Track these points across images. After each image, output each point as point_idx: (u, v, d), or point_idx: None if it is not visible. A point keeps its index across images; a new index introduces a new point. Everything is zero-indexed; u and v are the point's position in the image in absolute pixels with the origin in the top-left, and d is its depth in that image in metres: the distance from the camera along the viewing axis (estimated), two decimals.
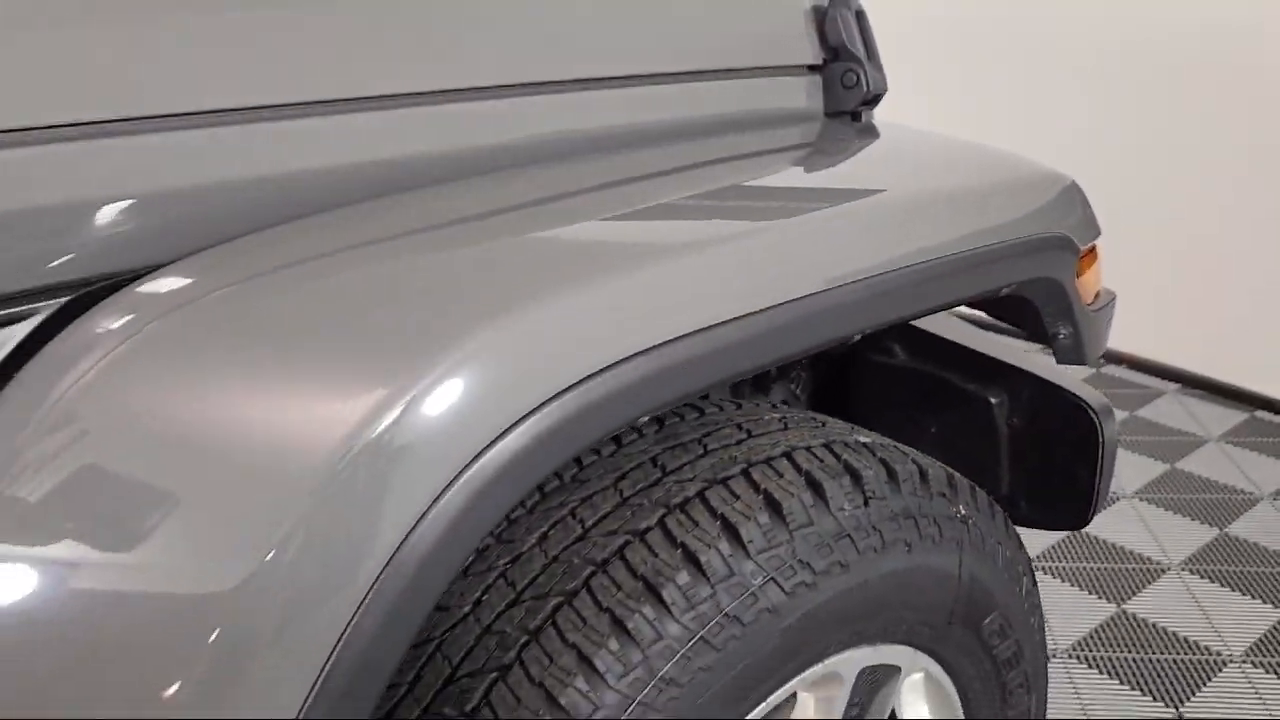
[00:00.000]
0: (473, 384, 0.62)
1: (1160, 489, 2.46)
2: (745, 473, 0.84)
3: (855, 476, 0.87)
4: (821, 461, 0.86)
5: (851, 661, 0.92)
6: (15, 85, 0.58)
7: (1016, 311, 1.05)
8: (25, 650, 0.56)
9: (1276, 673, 1.85)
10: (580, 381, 0.66)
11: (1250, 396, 2.87)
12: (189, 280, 0.64)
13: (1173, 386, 2.99)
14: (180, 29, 0.65)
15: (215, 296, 0.63)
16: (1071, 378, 1.19)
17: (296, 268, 0.66)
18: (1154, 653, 1.91)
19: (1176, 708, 1.77)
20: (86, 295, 0.61)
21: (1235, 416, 2.82)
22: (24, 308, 0.59)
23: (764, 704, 0.84)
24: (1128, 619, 2.00)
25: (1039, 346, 1.16)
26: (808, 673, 0.87)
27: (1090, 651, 1.91)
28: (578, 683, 0.72)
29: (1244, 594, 2.07)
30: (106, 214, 0.62)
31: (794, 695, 0.94)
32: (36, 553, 0.57)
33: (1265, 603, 2.05)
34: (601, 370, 0.67)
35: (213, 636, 0.56)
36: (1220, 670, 1.86)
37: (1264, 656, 1.89)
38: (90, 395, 0.59)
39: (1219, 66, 2.74)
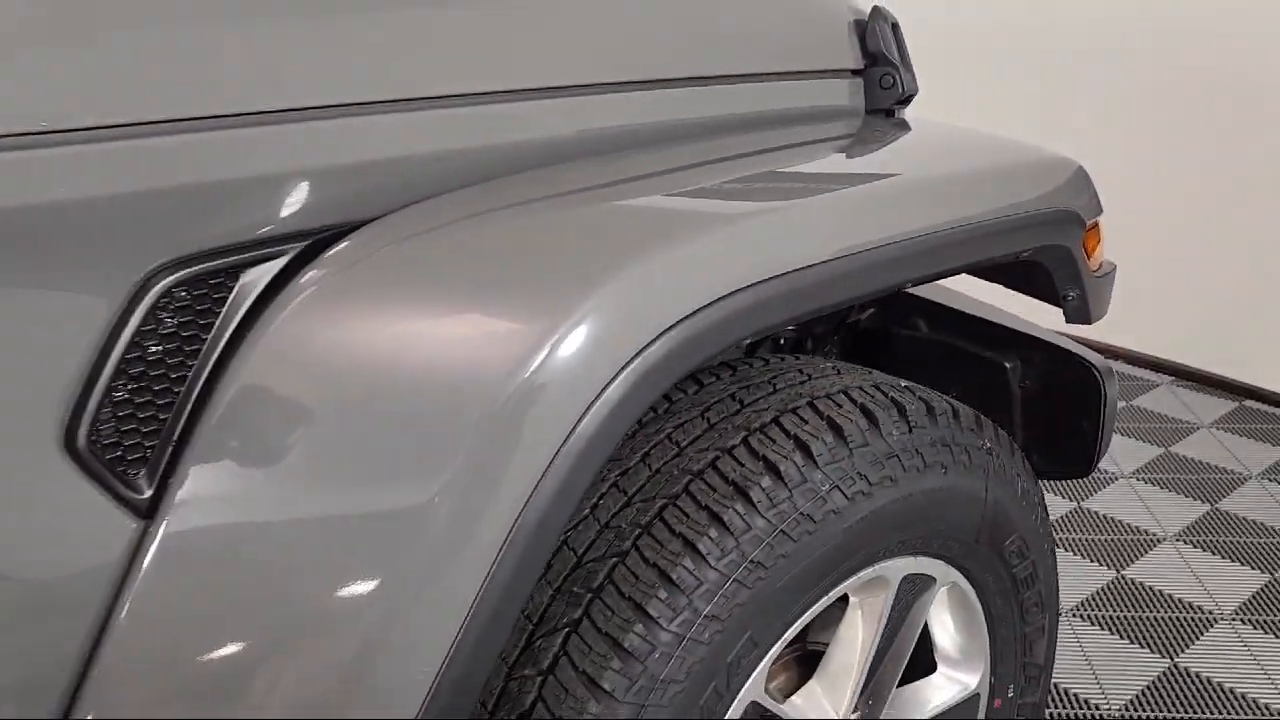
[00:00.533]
0: (611, 317, 0.79)
1: (1156, 469, 2.64)
2: (811, 404, 1.01)
3: (901, 409, 1.04)
4: (873, 397, 1.04)
5: (895, 568, 1.09)
6: (280, 75, 0.75)
7: (1030, 279, 1.23)
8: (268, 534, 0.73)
9: (1263, 628, 2.02)
10: (688, 316, 0.82)
11: (1239, 387, 3.05)
12: (388, 230, 0.81)
13: (1167, 379, 3.16)
14: (384, 39, 0.82)
15: (406, 243, 0.81)
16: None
17: (470, 221, 0.83)
18: (1150, 611, 2.08)
19: (1171, 658, 1.94)
20: (317, 241, 0.79)
21: (1225, 405, 2.99)
22: (278, 249, 0.76)
23: (826, 597, 1.02)
24: (1126, 583, 2.17)
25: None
26: (861, 574, 1.04)
27: (1092, 611, 2.08)
28: (685, 562, 0.89)
29: (1233, 560, 2.24)
30: (329, 180, 0.79)
31: (846, 599, 1.11)
32: (287, 438, 0.74)
33: (1253, 568, 2.22)
34: (703, 307, 0.84)
35: (432, 505, 0.73)
36: (1212, 626, 2.03)
37: (1252, 614, 2.06)
38: (319, 309, 0.76)
39: (1212, 71, 2.92)
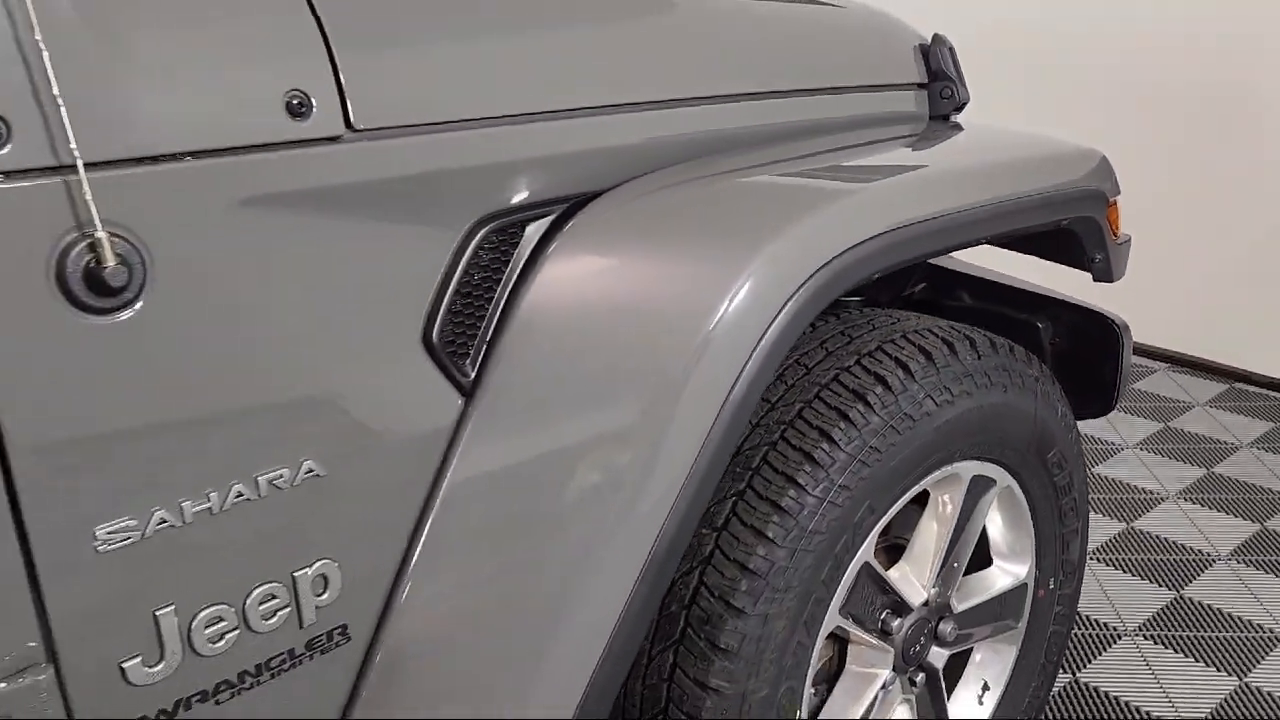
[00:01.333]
0: (776, 268, 1.09)
1: (1157, 441, 2.95)
2: (904, 336, 1.32)
3: (971, 342, 1.35)
4: (949, 332, 1.35)
5: (966, 469, 1.40)
6: (558, 89, 1.07)
7: (1062, 248, 1.54)
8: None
9: (1259, 566, 2.33)
10: (832, 260, 1.13)
11: (1229, 371, 3.37)
12: (624, 197, 1.12)
13: (1163, 365, 3.48)
14: (611, 67, 1.14)
15: (635, 202, 1.12)
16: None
17: (684, 187, 1.15)
18: (1154, 554, 2.38)
19: (1178, 590, 2.25)
20: (571, 205, 1.10)
21: (1217, 387, 3.31)
22: (547, 209, 1.08)
23: (918, 485, 1.32)
24: (1136, 533, 2.47)
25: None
26: (944, 468, 1.35)
27: (1109, 555, 2.38)
28: (823, 445, 1.19)
29: (1226, 513, 2.55)
30: (581, 161, 1.10)
31: (927, 494, 1.41)
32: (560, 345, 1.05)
33: (1243, 519, 2.53)
34: (835, 257, 1.14)
35: (674, 387, 1.04)
36: (1210, 566, 2.34)
37: (1248, 555, 2.37)
38: (574, 252, 1.07)
39: (1204, 76, 3.26)
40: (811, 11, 1.43)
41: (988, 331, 1.41)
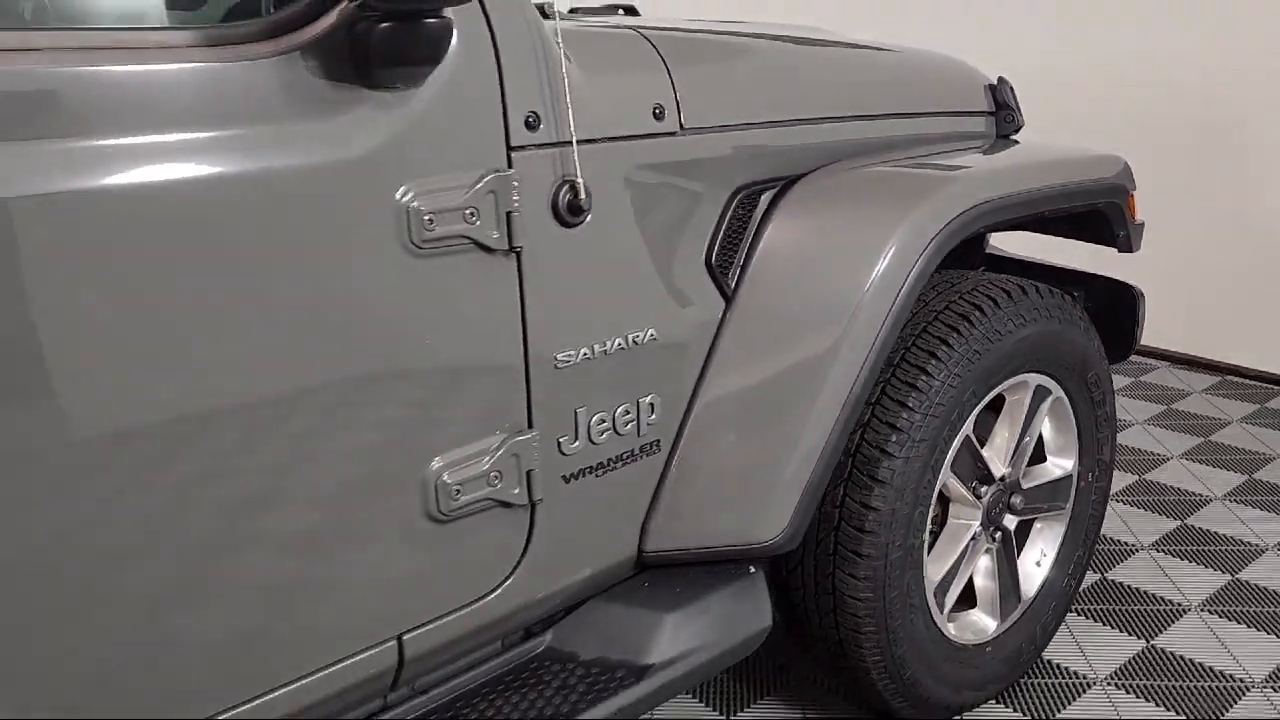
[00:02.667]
0: (915, 230, 1.68)
1: (1161, 420, 3.53)
2: (990, 283, 1.90)
3: (1036, 288, 1.94)
4: (1021, 281, 1.93)
5: (1032, 380, 1.97)
6: (796, 106, 1.68)
7: (1094, 229, 2.14)
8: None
9: (1253, 505, 2.89)
10: (959, 215, 1.72)
11: (1222, 366, 3.97)
12: (821, 176, 1.73)
13: (1164, 363, 4.07)
14: (807, 96, 1.75)
15: (828, 180, 1.72)
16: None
17: (853, 173, 1.75)
18: (1166, 495, 2.95)
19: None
20: (788, 181, 1.70)
21: (1211, 379, 3.90)
22: (776, 183, 1.68)
23: (999, 387, 1.90)
24: (1145, 483, 3.04)
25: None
26: (1016, 377, 1.93)
27: (1123, 498, 2.95)
28: (942, 348, 1.76)
29: (1223, 469, 3.13)
30: (799, 152, 1.71)
31: (1003, 398, 1.99)
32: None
33: (1237, 473, 3.10)
34: (949, 221, 1.74)
35: (850, 320, 1.62)
36: (1206, 505, 2.90)
37: (1242, 496, 2.94)
38: (792, 212, 1.67)
39: (1195, 97, 3.88)
40: (919, 56, 2.05)
41: (1049, 285, 2.00)
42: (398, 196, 1.19)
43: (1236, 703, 2.05)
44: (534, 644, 1.52)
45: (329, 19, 1.13)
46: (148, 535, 1.08)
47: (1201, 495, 2.95)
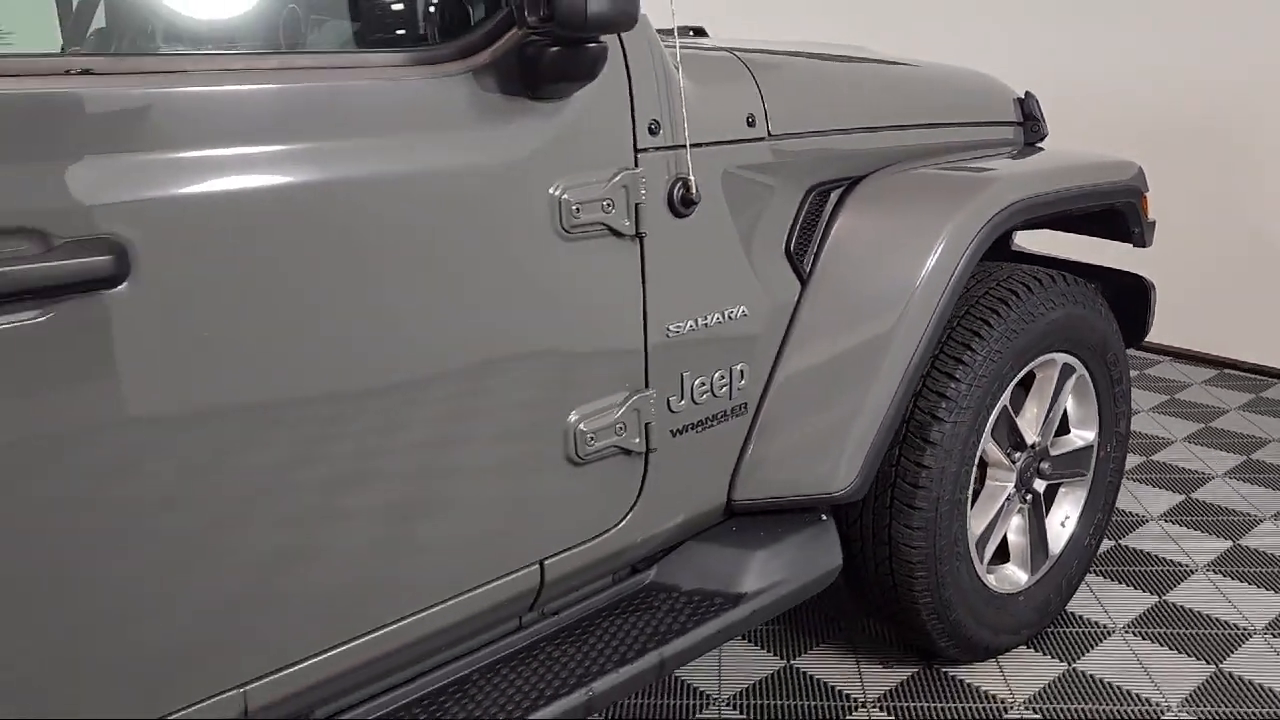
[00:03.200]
0: (962, 226, 1.94)
1: (1167, 408, 3.78)
2: (1023, 271, 2.15)
3: (1064, 277, 2.19)
4: (1051, 271, 2.19)
5: (1059, 359, 2.22)
6: (853, 118, 1.94)
7: (1111, 227, 2.40)
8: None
9: (1254, 481, 3.15)
10: (999, 212, 1.98)
11: (1220, 360, 4.23)
12: (881, 176, 1.99)
13: (1166, 359, 4.33)
14: (871, 109, 2.02)
15: (887, 180, 1.98)
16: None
17: (908, 174, 2.01)
18: (1170, 474, 3.21)
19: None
20: (854, 180, 1.96)
21: (1210, 372, 4.16)
22: (845, 181, 1.94)
23: (1031, 364, 2.15)
24: (1153, 464, 3.30)
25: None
26: (1045, 355, 2.18)
27: (1128, 475, 3.20)
28: (985, 327, 2.02)
29: (1222, 451, 3.38)
30: (865, 156, 1.97)
31: (1034, 375, 2.24)
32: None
33: (1235, 454, 3.35)
34: (991, 218, 1.99)
35: (908, 303, 1.88)
36: (1207, 483, 3.16)
37: (1242, 474, 3.19)
38: (857, 206, 1.93)
39: (1189, 107, 4.15)
40: (960, 73, 2.32)
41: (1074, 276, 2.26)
42: (551, 190, 1.44)
43: (1239, 647, 2.30)
44: (641, 578, 1.77)
45: (504, 43, 1.38)
46: (368, 465, 1.33)
47: (1204, 473, 3.21)
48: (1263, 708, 2.09)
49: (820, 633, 2.38)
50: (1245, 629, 2.37)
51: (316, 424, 1.28)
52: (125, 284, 1.09)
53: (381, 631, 1.38)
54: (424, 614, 1.44)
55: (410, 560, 1.41)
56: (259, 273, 1.19)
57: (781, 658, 2.29)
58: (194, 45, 1.50)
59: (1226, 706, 2.10)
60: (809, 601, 1.94)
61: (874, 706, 2.13)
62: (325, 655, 1.33)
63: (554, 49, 1.36)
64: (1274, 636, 2.34)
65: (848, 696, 2.16)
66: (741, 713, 2.12)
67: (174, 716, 1.21)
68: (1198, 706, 2.11)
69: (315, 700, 1.36)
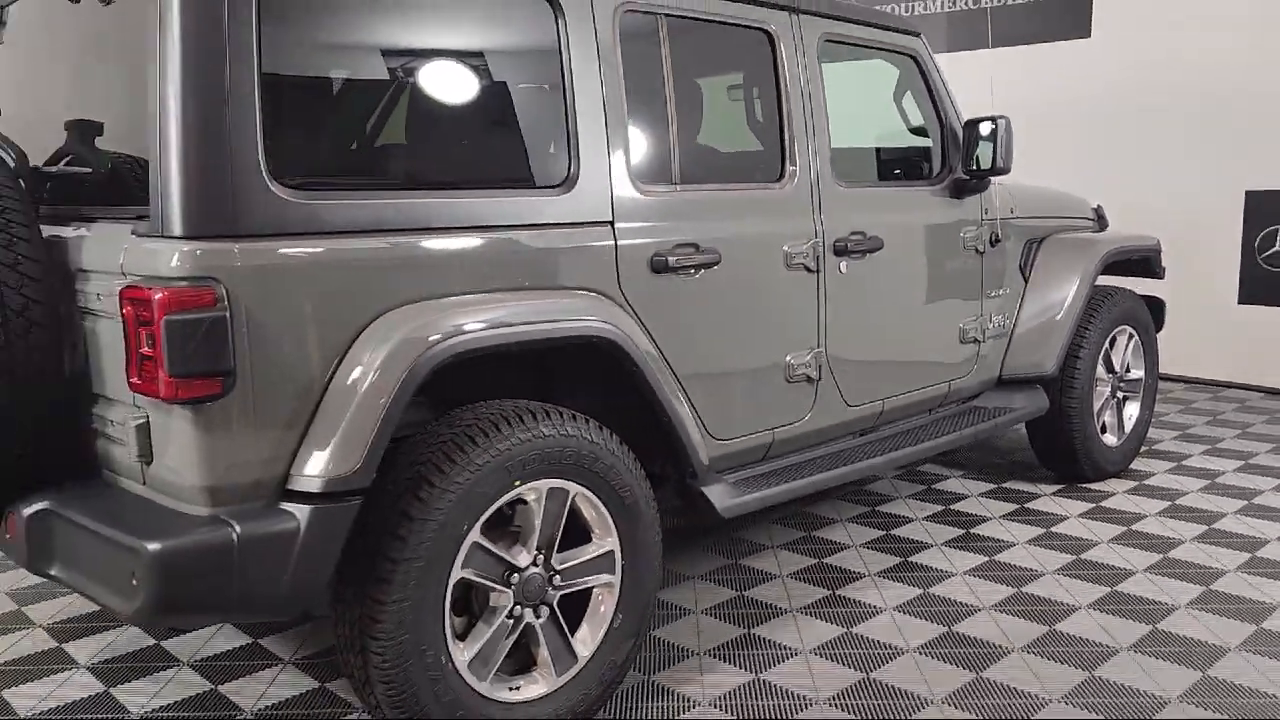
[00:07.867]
0: (1095, 259, 4.37)
1: (1170, 400, 6.15)
2: (1115, 289, 4.60)
3: (1128, 292, 4.64)
4: (1121, 288, 4.64)
5: (1127, 328, 4.65)
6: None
7: (1142, 270, 4.87)
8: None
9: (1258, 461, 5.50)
10: (1102, 256, 4.43)
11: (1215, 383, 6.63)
12: (1051, 239, 4.48)
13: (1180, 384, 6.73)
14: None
15: (1054, 242, 4.47)
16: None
17: (1060, 238, 4.50)
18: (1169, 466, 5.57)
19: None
20: (1040, 239, 4.44)
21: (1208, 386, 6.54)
22: (1037, 240, 4.42)
23: (1117, 328, 4.57)
24: (1154, 452, 5.66)
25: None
26: (1120, 327, 4.60)
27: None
28: (1092, 325, 4.44)
29: (1231, 429, 5.76)
30: (1044, 230, 4.47)
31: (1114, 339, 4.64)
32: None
33: (1253, 441, 5.72)
34: (1103, 256, 4.41)
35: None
36: (1194, 458, 5.53)
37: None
38: (1044, 254, 4.40)
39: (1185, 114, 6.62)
40: (1064, 192, 4.88)
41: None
42: (962, 234, 3.92)
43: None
44: (971, 403, 4.15)
45: (951, 176, 3.87)
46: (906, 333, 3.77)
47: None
48: None
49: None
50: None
51: (895, 316, 3.69)
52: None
53: (895, 398, 3.74)
54: (911, 392, 3.81)
55: (907, 371, 3.79)
56: (896, 264, 3.62)
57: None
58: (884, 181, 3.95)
59: None
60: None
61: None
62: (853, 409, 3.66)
63: (969, 180, 3.85)
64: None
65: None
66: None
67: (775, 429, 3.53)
68: None
69: (819, 441, 3.67)
